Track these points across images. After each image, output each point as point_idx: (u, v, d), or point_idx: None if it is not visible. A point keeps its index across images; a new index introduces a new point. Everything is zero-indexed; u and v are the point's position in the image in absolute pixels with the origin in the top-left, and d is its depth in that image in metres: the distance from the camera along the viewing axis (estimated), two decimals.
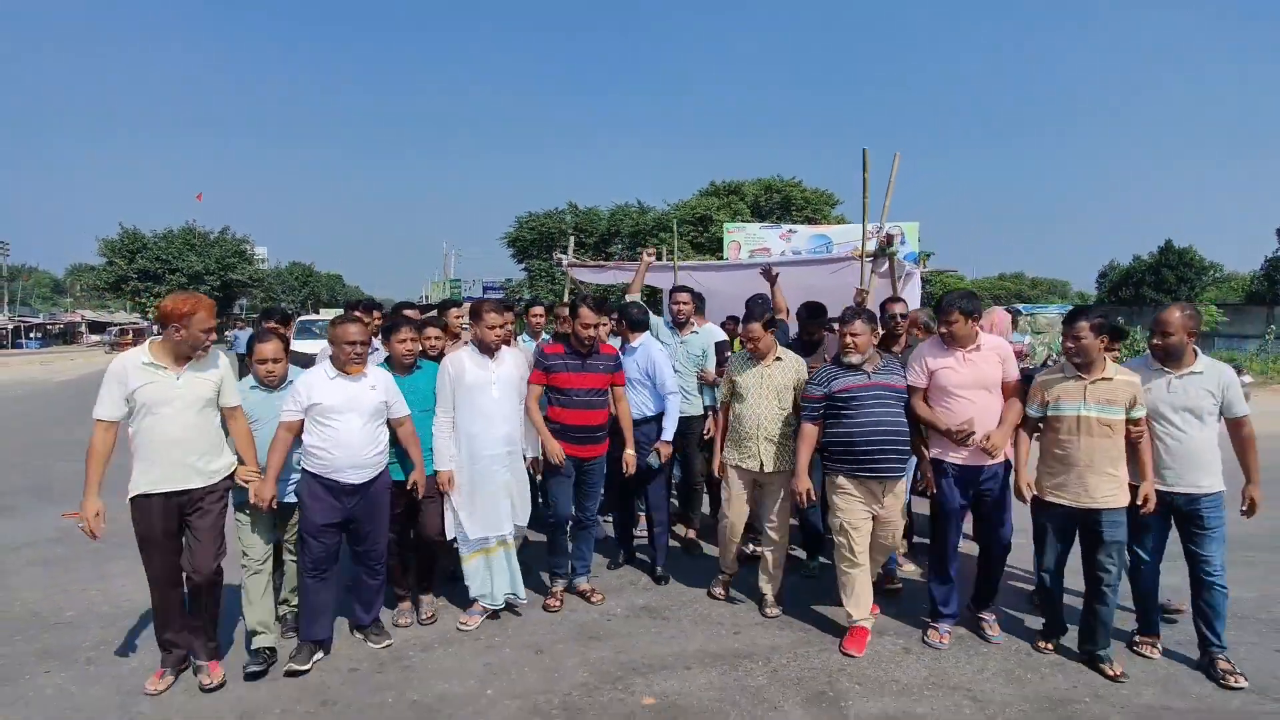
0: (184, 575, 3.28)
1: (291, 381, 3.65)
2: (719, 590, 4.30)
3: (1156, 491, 3.44)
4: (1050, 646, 3.66)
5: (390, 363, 3.89)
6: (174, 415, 3.15)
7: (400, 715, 3.08)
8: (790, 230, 18.08)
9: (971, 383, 3.63)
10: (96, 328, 51.53)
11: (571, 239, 11.09)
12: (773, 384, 4.01)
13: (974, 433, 3.57)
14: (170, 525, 3.20)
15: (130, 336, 43.94)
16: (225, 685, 3.27)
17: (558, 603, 4.10)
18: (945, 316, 3.67)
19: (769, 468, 3.97)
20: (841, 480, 3.74)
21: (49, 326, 51.34)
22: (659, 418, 4.48)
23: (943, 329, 3.70)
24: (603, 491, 4.46)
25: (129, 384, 3.10)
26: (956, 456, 3.68)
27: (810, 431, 3.80)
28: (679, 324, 5.05)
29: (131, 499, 3.15)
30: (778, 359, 4.06)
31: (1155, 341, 3.50)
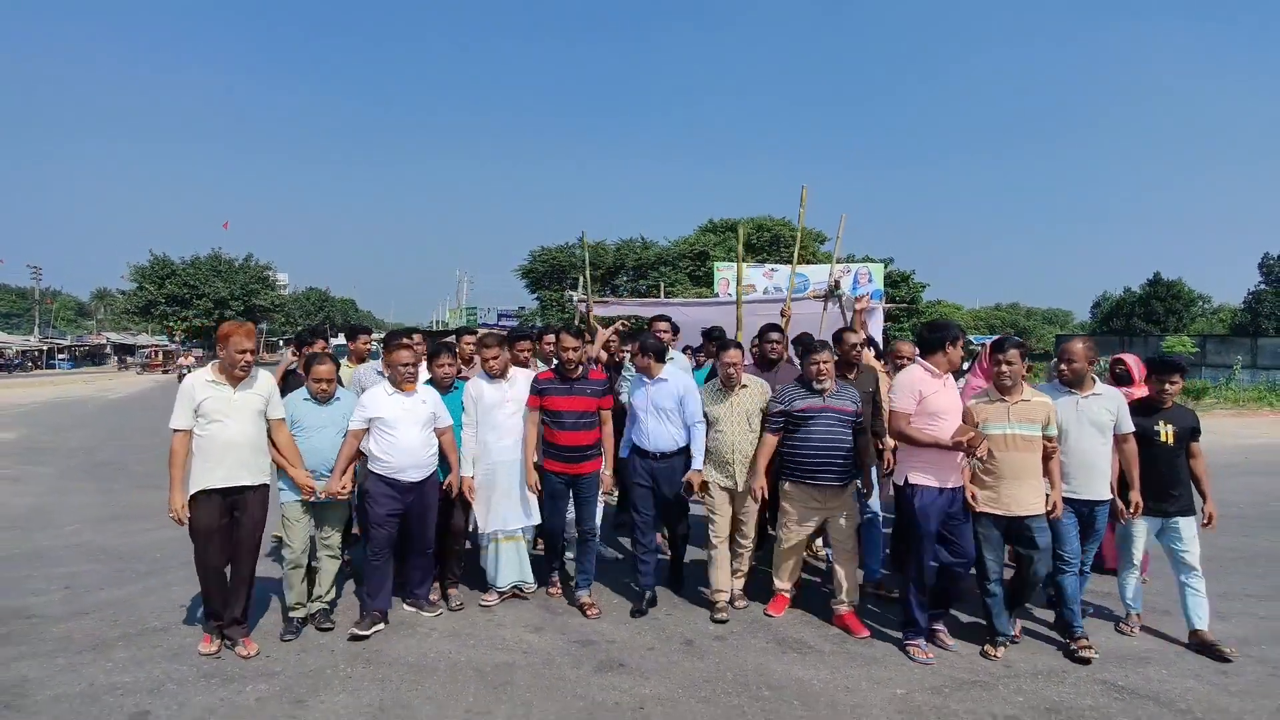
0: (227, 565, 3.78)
1: (339, 398, 4.22)
2: (722, 616, 4.30)
3: (1067, 499, 3.85)
4: (999, 654, 3.80)
5: (433, 383, 4.44)
6: (231, 424, 3.72)
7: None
8: (772, 269, 20.36)
9: (954, 406, 3.86)
10: (121, 349, 53.69)
11: (580, 278, 13.17)
12: (742, 409, 4.34)
13: (983, 438, 3.68)
14: (224, 518, 3.73)
15: (160, 358, 46.27)
16: (260, 653, 3.76)
17: (558, 590, 4.61)
18: (957, 341, 3.86)
19: (743, 486, 4.33)
20: (788, 486, 4.24)
21: (76, 348, 53.54)
22: (687, 449, 4.47)
23: (950, 348, 3.86)
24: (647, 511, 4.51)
25: (196, 398, 3.69)
26: (949, 483, 3.79)
27: (770, 441, 4.22)
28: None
29: (193, 495, 3.67)
30: (743, 386, 4.39)
31: (1063, 368, 3.97)
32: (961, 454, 3.71)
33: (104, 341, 56.11)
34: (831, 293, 7.91)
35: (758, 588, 4.61)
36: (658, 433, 4.42)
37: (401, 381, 4.12)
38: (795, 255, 7.78)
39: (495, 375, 4.41)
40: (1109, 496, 3.92)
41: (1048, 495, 3.79)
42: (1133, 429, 3.96)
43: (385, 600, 4.16)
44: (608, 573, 5.04)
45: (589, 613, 4.33)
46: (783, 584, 4.44)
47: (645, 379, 4.49)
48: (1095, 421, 3.87)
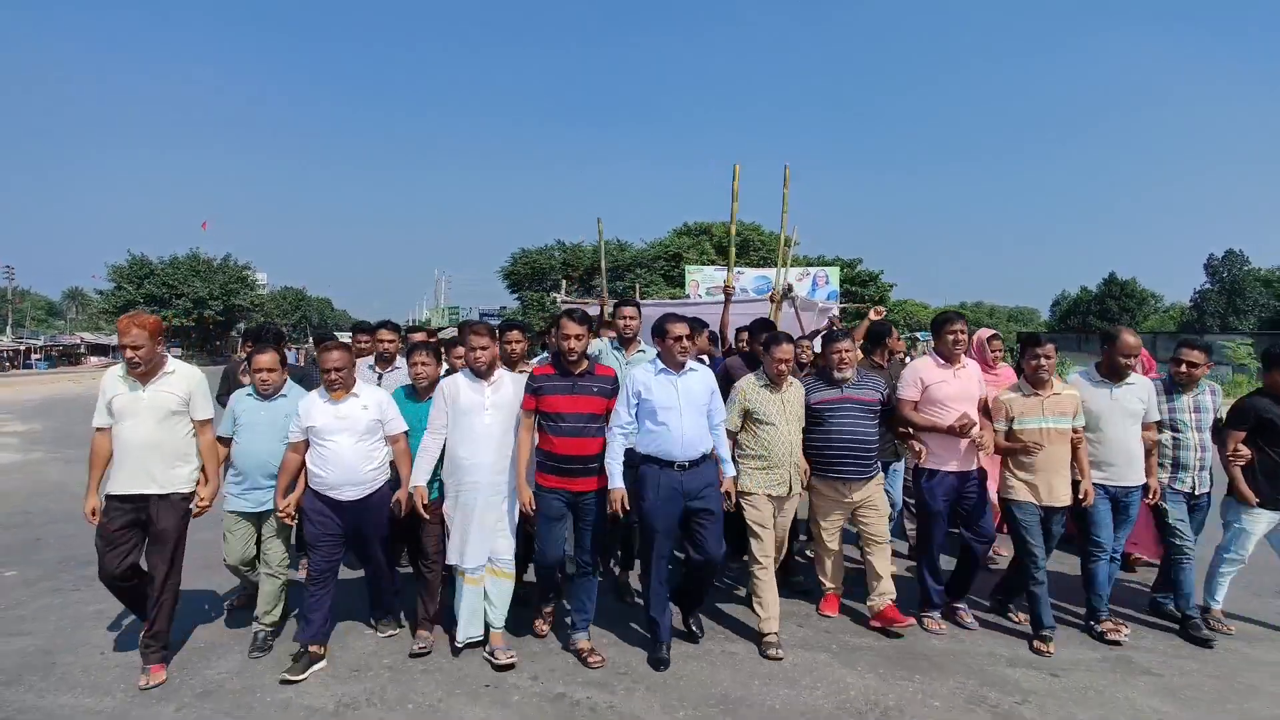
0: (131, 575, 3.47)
1: (285, 394, 3.85)
2: (777, 653, 3.76)
3: (1103, 485, 3.93)
4: (1050, 649, 3.78)
5: (413, 388, 3.99)
6: (137, 424, 3.41)
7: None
8: (739, 272, 21.79)
9: (960, 395, 3.99)
10: (95, 349, 53.70)
11: (564, 282, 14.46)
12: (793, 408, 4.03)
13: (974, 423, 3.88)
14: (124, 525, 3.43)
15: None
16: (164, 684, 3.38)
17: (546, 627, 3.91)
18: (952, 327, 4.03)
19: (796, 489, 4.02)
20: (814, 481, 4.14)
21: (51, 348, 53.42)
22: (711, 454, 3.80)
23: (950, 336, 4.03)
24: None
25: (107, 394, 3.45)
26: (950, 466, 4.00)
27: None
28: (624, 341, 4.60)
29: (105, 497, 3.47)
30: (790, 384, 4.07)
31: (1123, 361, 3.93)
32: (965, 439, 3.91)
33: (78, 341, 56.02)
34: (786, 294, 9.20)
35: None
36: (693, 435, 3.65)
37: (330, 388, 3.65)
38: (782, 238, 7.56)
39: (479, 373, 3.73)
40: (1144, 481, 4.00)
41: (1078, 484, 3.90)
42: (1159, 417, 4.07)
43: (322, 633, 3.65)
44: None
45: (590, 660, 3.65)
46: (831, 584, 4.32)
47: (669, 370, 3.70)
48: (1129, 410, 3.95)
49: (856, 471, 4.02)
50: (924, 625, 4.08)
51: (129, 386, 3.46)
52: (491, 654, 3.67)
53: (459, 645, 3.75)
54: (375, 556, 3.85)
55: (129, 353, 3.37)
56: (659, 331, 3.73)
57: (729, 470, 3.82)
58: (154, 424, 3.45)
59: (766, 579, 3.91)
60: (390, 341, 4.67)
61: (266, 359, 3.81)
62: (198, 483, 3.61)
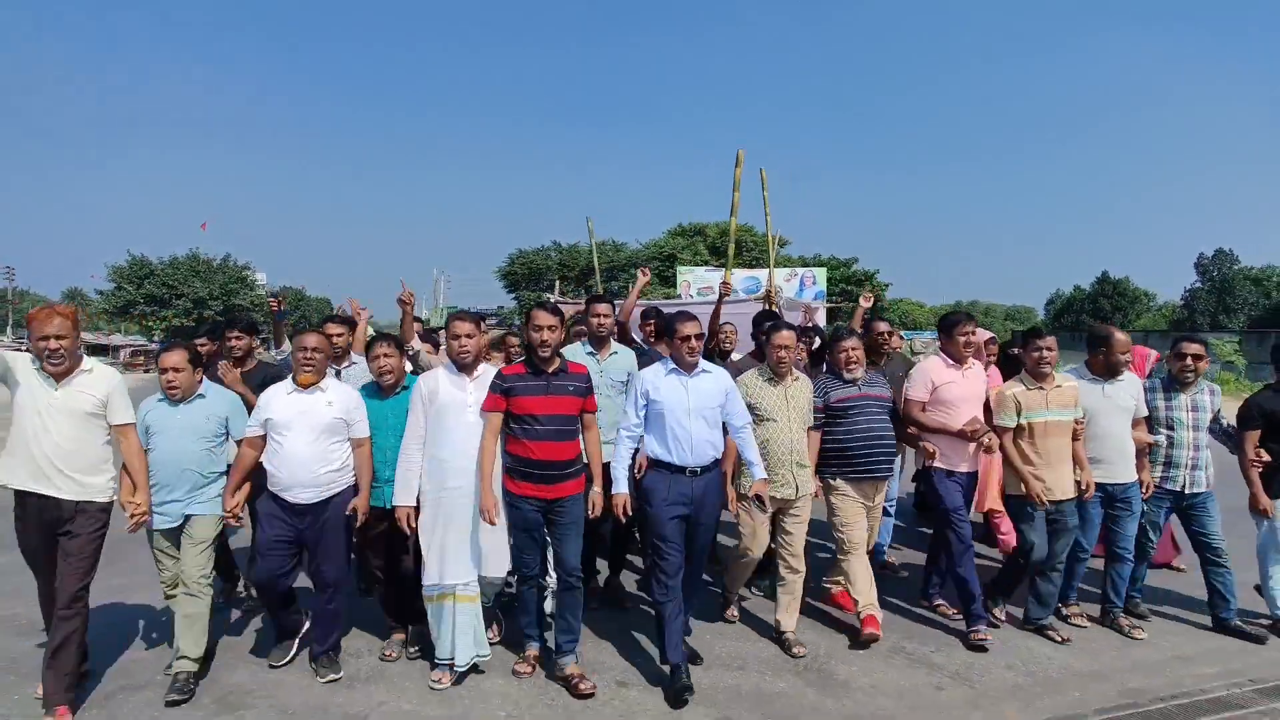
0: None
1: (203, 395, 3.50)
2: (733, 612, 4.21)
3: (1101, 485, 3.98)
4: (1003, 617, 4.14)
5: (377, 385, 3.69)
6: (48, 424, 3.08)
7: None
8: (731, 272, 22.35)
9: (969, 395, 4.00)
10: (94, 350, 54.15)
11: (558, 282, 14.97)
12: (798, 405, 3.88)
13: (985, 427, 3.91)
14: (47, 537, 3.14)
15: (142, 358, 46.93)
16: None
17: (529, 668, 3.51)
18: (963, 328, 4.01)
19: (802, 492, 3.86)
20: (839, 483, 3.97)
21: None
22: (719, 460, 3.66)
23: (962, 337, 4.01)
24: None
25: (15, 369, 3.09)
26: (962, 467, 4.01)
27: (815, 438, 3.98)
28: (597, 341, 4.26)
29: (14, 491, 3.12)
30: (795, 379, 3.95)
31: (1115, 359, 3.99)
32: (972, 443, 3.93)
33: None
34: (766, 297, 9.58)
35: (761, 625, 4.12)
36: (702, 440, 3.52)
37: (301, 368, 3.44)
38: (768, 223, 7.82)
39: (462, 366, 3.49)
40: (1136, 477, 4.08)
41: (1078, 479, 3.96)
42: (1146, 413, 4.16)
43: (293, 621, 3.61)
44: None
45: (580, 687, 3.38)
46: (868, 599, 3.89)
47: (680, 371, 3.58)
48: (1122, 406, 4.02)
49: (885, 469, 4.00)
50: (972, 640, 3.88)
51: (42, 381, 3.12)
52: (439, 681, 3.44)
53: (462, 669, 3.45)
54: (325, 573, 3.47)
55: (53, 343, 3.05)
56: (669, 331, 3.66)
57: (758, 474, 3.66)
58: (69, 426, 3.13)
59: (740, 570, 4.12)
60: (339, 335, 4.28)
61: (173, 358, 3.41)
62: (124, 491, 3.32)
